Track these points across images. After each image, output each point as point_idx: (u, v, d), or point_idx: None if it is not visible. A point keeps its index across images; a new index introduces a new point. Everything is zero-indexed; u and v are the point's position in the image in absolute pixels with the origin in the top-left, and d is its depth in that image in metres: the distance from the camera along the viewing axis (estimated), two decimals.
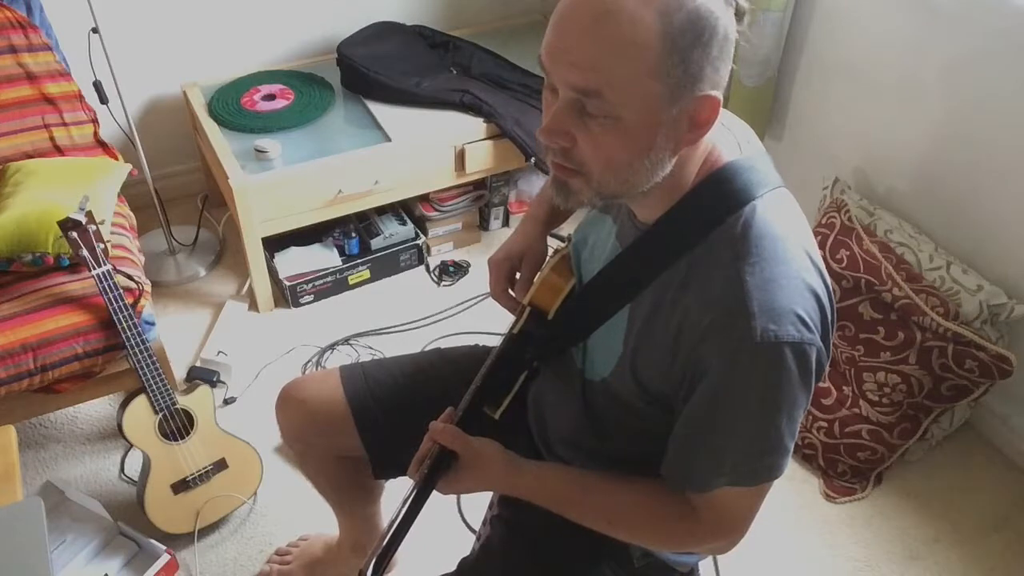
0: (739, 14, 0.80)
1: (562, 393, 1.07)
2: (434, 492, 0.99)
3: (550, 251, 1.14)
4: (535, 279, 1.08)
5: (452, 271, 2.43)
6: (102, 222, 1.68)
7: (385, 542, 0.98)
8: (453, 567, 1.17)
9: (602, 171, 0.82)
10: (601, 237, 1.03)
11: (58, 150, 1.93)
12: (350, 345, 2.20)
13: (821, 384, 1.91)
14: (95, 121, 1.98)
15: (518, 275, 1.18)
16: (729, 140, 0.91)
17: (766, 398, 0.84)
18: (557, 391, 1.09)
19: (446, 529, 1.77)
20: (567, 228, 1.12)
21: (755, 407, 0.85)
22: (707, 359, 0.84)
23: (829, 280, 0.89)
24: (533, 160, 2.28)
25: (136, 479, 1.80)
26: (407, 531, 0.99)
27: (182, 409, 1.60)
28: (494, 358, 1.07)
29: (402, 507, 0.99)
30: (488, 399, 1.05)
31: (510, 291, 1.17)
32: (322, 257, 2.31)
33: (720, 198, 0.87)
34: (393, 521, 0.98)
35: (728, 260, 0.84)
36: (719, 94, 0.80)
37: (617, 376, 0.96)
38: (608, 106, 0.77)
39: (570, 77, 0.78)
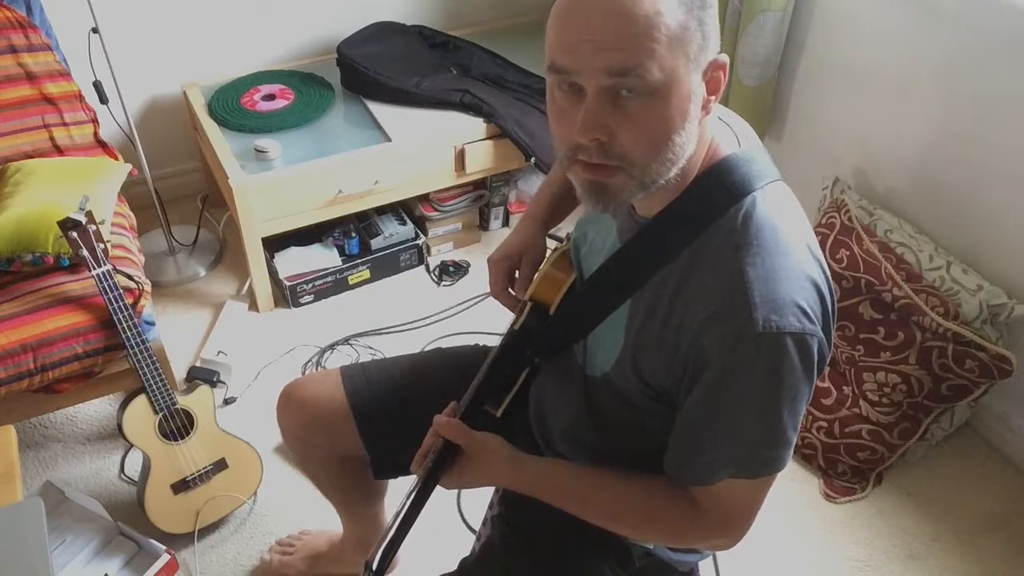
0: None
1: (563, 390, 1.07)
2: (438, 487, 0.99)
3: (549, 250, 1.15)
4: (535, 275, 1.08)
5: (452, 271, 2.43)
6: (102, 222, 1.68)
7: (390, 536, 0.98)
8: (453, 567, 1.17)
9: (645, 154, 0.81)
10: (601, 233, 1.03)
11: (58, 150, 1.93)
12: (350, 345, 2.20)
13: (821, 384, 1.91)
14: (95, 121, 1.98)
15: (517, 274, 1.18)
16: (727, 134, 0.92)
17: (768, 389, 0.84)
18: (558, 388, 1.09)
19: (446, 529, 1.77)
20: (565, 227, 1.12)
21: (757, 398, 0.85)
22: (708, 350, 0.84)
23: (829, 273, 0.89)
24: (533, 160, 2.29)
25: (136, 479, 1.80)
26: (412, 525, 0.99)
27: (182, 409, 1.60)
28: (495, 355, 1.07)
29: (406, 501, 0.99)
30: (490, 396, 1.05)
31: (510, 289, 1.18)
32: (322, 257, 2.31)
33: (720, 190, 0.87)
34: (398, 515, 0.99)
35: (729, 251, 0.84)
36: (725, 57, 0.82)
37: (618, 371, 0.96)
38: (644, 82, 0.76)
39: (602, 62, 0.76)
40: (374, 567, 0.98)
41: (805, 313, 0.83)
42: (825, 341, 0.86)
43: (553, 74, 0.80)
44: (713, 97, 0.83)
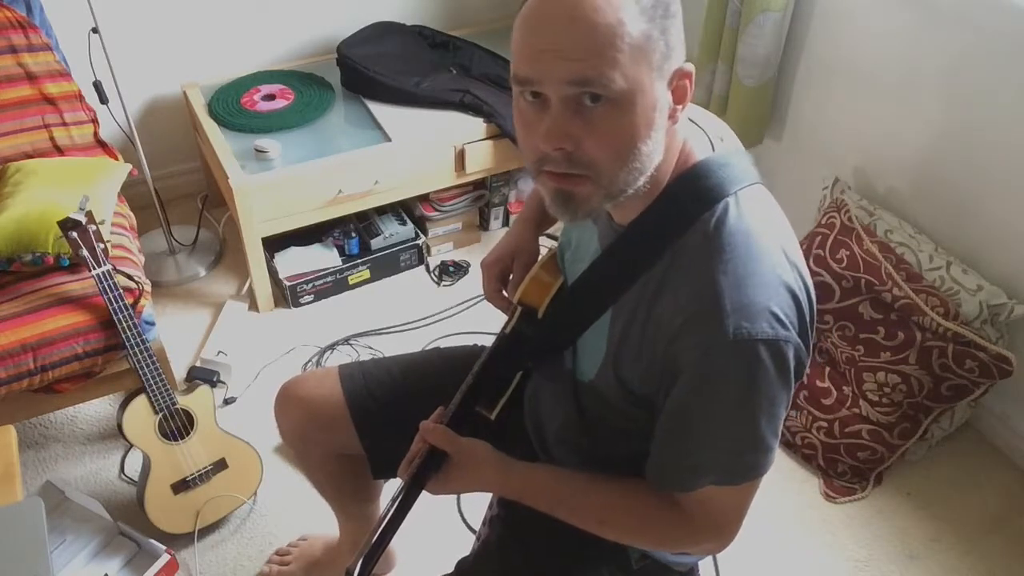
0: None
1: (556, 394, 1.07)
2: (425, 492, 0.99)
3: (543, 252, 1.14)
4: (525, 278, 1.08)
5: (452, 271, 2.43)
6: (102, 222, 1.69)
7: (373, 541, 0.98)
8: (452, 567, 1.17)
9: (612, 163, 0.80)
10: (584, 239, 1.02)
11: (58, 150, 1.93)
12: (350, 345, 2.20)
13: (821, 384, 1.91)
14: (95, 121, 1.98)
15: (512, 277, 1.18)
16: (701, 139, 0.91)
17: (743, 396, 0.84)
18: (551, 392, 1.09)
19: (446, 529, 1.77)
20: (559, 229, 1.12)
21: (732, 405, 0.85)
22: (682, 358, 0.84)
23: (808, 276, 0.89)
24: None
25: (136, 479, 1.80)
26: (396, 531, 0.98)
27: (182, 409, 1.60)
28: (486, 358, 1.07)
29: (391, 506, 0.98)
30: (482, 399, 1.05)
31: (503, 292, 1.17)
32: (322, 257, 2.31)
33: (693, 196, 0.87)
34: (382, 520, 0.98)
35: (701, 258, 0.84)
36: (691, 66, 0.82)
37: (602, 377, 0.96)
38: (607, 90, 0.76)
39: (563, 71, 0.76)
40: (355, 574, 0.98)
41: (779, 319, 0.82)
42: (803, 346, 0.85)
43: (517, 84, 0.81)
44: (680, 106, 0.83)
